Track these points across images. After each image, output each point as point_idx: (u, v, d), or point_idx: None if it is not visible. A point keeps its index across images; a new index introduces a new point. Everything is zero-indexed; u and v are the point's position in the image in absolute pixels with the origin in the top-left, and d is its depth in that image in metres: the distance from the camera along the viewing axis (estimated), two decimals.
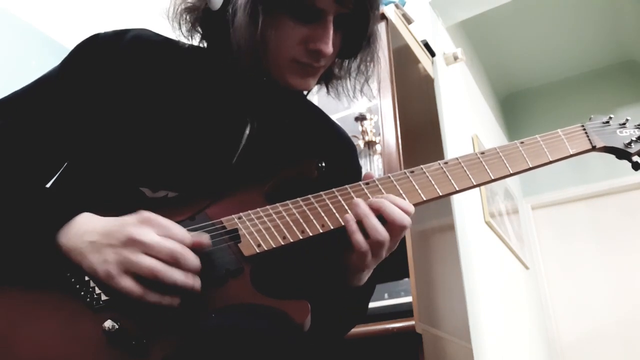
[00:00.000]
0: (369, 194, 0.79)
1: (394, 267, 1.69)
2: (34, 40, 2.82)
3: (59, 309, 0.65)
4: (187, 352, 0.62)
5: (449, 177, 0.82)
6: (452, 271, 2.17)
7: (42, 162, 0.80)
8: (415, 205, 0.78)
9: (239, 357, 0.59)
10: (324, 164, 0.83)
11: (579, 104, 4.39)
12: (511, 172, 0.84)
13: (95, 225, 0.67)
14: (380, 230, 0.73)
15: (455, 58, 2.83)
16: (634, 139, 0.90)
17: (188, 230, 0.72)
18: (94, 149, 0.80)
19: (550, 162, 0.87)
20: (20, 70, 2.61)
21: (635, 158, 0.91)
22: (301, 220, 0.76)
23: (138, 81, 0.82)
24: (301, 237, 0.75)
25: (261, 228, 0.75)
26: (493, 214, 3.02)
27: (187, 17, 0.85)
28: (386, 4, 2.23)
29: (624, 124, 0.93)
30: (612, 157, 0.93)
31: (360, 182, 0.80)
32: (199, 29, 0.87)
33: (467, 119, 3.14)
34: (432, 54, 2.68)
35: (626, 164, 0.92)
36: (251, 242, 0.74)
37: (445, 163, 0.83)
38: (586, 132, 0.90)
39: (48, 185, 0.83)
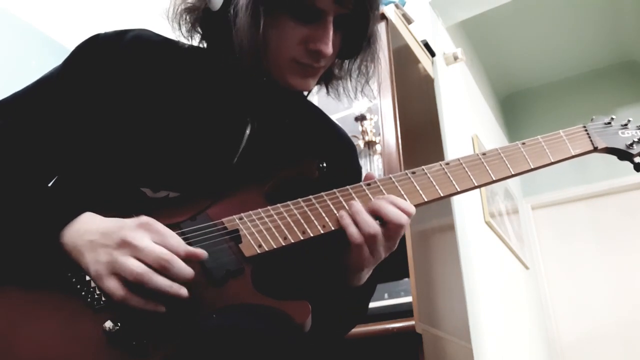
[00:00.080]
0: (370, 195, 0.79)
1: (394, 267, 1.69)
2: (34, 40, 2.81)
3: (59, 309, 0.65)
4: (188, 352, 0.62)
5: (450, 177, 0.82)
6: (452, 271, 2.17)
7: (44, 162, 0.80)
8: (416, 206, 0.78)
9: (239, 357, 0.59)
10: (324, 164, 0.83)
11: (579, 104, 4.39)
12: (513, 173, 0.84)
13: (97, 225, 0.67)
14: (370, 224, 0.74)
15: (455, 58, 2.83)
16: (635, 140, 0.90)
17: (189, 230, 0.73)
18: (95, 149, 0.80)
19: (552, 163, 0.87)
20: (20, 70, 2.60)
21: (637, 159, 0.91)
22: (302, 221, 0.76)
23: (138, 81, 0.82)
24: (302, 238, 0.75)
25: (262, 228, 0.75)
26: (493, 214, 3.02)
27: (187, 18, 0.85)
28: (386, 4, 2.23)
29: (626, 124, 0.93)
30: (612, 157, 0.93)
31: (362, 183, 0.80)
32: (199, 30, 0.87)
33: (467, 119, 3.14)
34: (432, 54, 2.68)
35: (627, 164, 0.92)
36: (252, 242, 0.74)
37: (447, 164, 0.83)
38: (588, 133, 0.90)
39: (49, 186, 0.83)
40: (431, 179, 0.81)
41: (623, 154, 0.91)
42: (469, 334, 2.13)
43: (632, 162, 0.91)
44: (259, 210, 0.76)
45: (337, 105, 1.56)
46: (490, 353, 2.34)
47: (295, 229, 0.75)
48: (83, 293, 0.66)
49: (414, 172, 0.81)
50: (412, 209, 0.77)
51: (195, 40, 0.88)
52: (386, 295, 1.68)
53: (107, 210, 0.70)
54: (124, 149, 0.79)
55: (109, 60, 0.82)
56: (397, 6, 2.29)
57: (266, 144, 0.87)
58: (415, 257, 1.71)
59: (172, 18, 0.86)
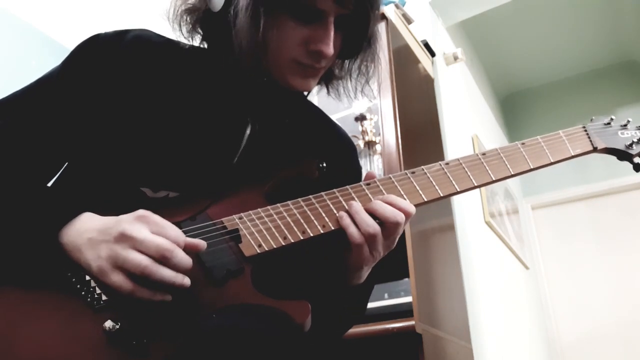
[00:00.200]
0: (369, 195, 0.79)
1: (394, 267, 1.69)
2: (34, 40, 2.82)
3: (59, 309, 0.65)
4: (188, 352, 0.62)
5: (450, 177, 0.82)
6: (452, 271, 2.17)
7: (43, 162, 0.80)
8: (416, 205, 0.79)
9: (239, 357, 0.60)
10: (324, 164, 0.83)
11: (579, 104, 4.39)
12: (512, 173, 0.84)
13: (95, 223, 0.67)
14: (370, 224, 0.74)
15: (455, 58, 2.83)
16: (635, 140, 0.90)
17: (189, 230, 0.73)
18: (95, 149, 0.80)
19: (552, 163, 0.87)
20: (20, 70, 2.61)
21: (636, 159, 0.91)
22: (302, 221, 0.76)
23: (139, 82, 0.82)
24: (302, 238, 0.75)
25: (262, 228, 0.75)
26: (493, 214, 3.02)
27: (188, 18, 0.85)
28: (386, 4, 2.23)
29: (626, 125, 0.93)
30: (612, 157, 0.93)
31: (361, 183, 0.80)
32: (199, 30, 0.87)
33: (467, 119, 3.14)
34: (432, 54, 2.68)
35: (626, 164, 0.92)
36: (252, 242, 0.74)
37: (447, 164, 0.83)
38: (587, 133, 0.90)
39: (49, 185, 0.83)
40: (431, 179, 0.81)
41: (622, 154, 0.91)
42: (469, 334, 2.13)
43: (631, 162, 0.91)
44: (259, 210, 0.76)
45: (337, 105, 1.56)
46: (490, 353, 2.34)
47: (295, 228, 0.75)
48: (83, 293, 0.66)
49: (413, 172, 0.81)
50: (412, 209, 0.77)
51: (196, 41, 0.88)
52: (386, 295, 1.69)
53: (107, 210, 0.70)
54: (124, 149, 0.79)
55: (109, 61, 0.82)
56: (397, 6, 2.29)
57: (266, 144, 0.87)
58: (415, 257, 1.71)
59: (172, 19, 0.86)
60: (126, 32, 0.85)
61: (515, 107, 4.78)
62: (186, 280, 0.65)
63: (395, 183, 0.80)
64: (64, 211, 0.68)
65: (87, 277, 0.66)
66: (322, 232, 0.76)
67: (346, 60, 0.90)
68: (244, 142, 0.85)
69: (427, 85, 2.53)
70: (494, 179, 0.83)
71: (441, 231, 2.19)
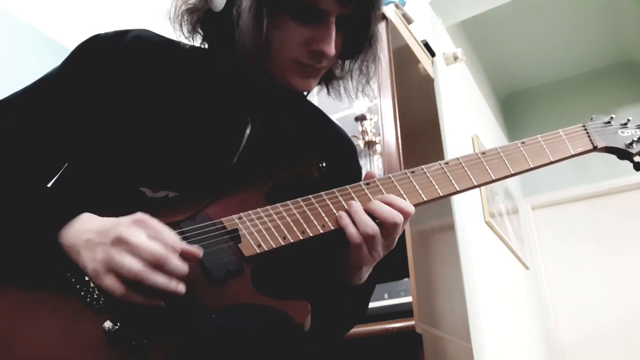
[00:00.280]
0: (369, 194, 0.79)
1: (394, 267, 1.69)
2: (34, 40, 2.82)
3: (59, 309, 0.65)
4: (187, 352, 0.62)
5: (450, 177, 0.82)
6: (452, 271, 2.17)
7: (43, 162, 0.80)
8: (415, 205, 0.78)
9: (239, 357, 0.60)
10: (324, 164, 0.83)
11: (579, 104, 4.39)
12: (512, 172, 0.84)
13: (94, 224, 0.67)
14: (369, 224, 0.74)
15: (455, 58, 2.83)
16: (635, 139, 0.90)
17: (188, 230, 0.73)
18: (95, 150, 0.80)
19: (552, 163, 0.87)
20: (20, 70, 2.61)
21: (636, 158, 0.91)
22: (301, 221, 0.76)
23: (139, 82, 0.82)
24: (301, 238, 0.75)
25: (261, 228, 0.75)
26: (493, 214, 3.02)
27: (188, 19, 0.85)
28: (386, 4, 2.23)
29: (626, 124, 0.93)
30: (612, 156, 0.93)
31: (361, 183, 0.80)
32: (200, 30, 0.87)
33: (467, 119, 3.14)
34: (432, 54, 2.68)
35: (627, 164, 0.92)
36: (251, 242, 0.74)
37: (446, 163, 0.83)
38: (587, 133, 0.90)
39: (49, 186, 0.83)
40: (430, 178, 0.81)
41: (622, 153, 0.91)
42: (469, 334, 2.13)
43: (631, 161, 0.91)
44: (259, 210, 0.76)
45: (337, 105, 1.56)
46: (490, 353, 2.34)
47: (295, 228, 0.75)
48: (82, 293, 0.66)
49: (413, 172, 0.81)
50: (411, 209, 0.77)
51: (197, 41, 0.88)
52: (386, 295, 1.68)
53: (106, 210, 0.70)
54: (123, 149, 0.79)
55: (109, 61, 0.82)
56: (397, 6, 2.29)
57: (266, 144, 0.87)
58: (415, 257, 1.71)
59: (173, 19, 0.85)
60: (126, 33, 0.85)
61: (515, 107, 4.78)
62: (180, 287, 0.64)
63: (395, 183, 0.80)
64: (64, 212, 0.68)
65: (87, 278, 0.66)
66: (321, 232, 0.76)
67: (347, 61, 0.90)
68: (244, 142, 0.85)
69: (427, 85, 2.53)
70: (493, 178, 0.83)
71: (441, 231, 2.19)
